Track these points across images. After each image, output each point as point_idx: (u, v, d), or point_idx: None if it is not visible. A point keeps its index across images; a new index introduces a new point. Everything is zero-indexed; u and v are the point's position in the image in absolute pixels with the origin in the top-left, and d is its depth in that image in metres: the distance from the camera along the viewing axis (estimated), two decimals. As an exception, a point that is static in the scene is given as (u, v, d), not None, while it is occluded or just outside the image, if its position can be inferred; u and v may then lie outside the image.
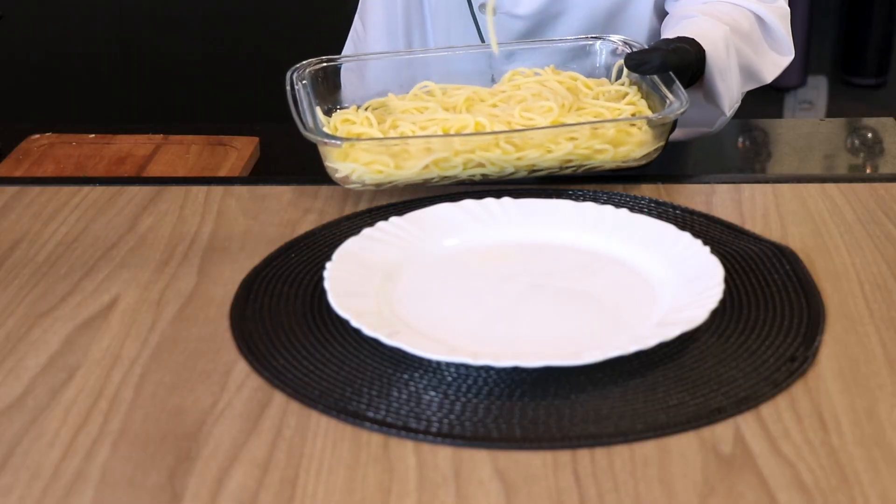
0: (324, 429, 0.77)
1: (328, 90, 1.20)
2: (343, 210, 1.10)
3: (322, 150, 1.08)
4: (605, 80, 1.22)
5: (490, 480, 0.72)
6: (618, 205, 1.06)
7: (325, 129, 1.11)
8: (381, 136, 1.09)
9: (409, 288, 0.93)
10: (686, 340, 0.86)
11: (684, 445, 0.75)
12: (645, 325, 0.88)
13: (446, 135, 1.06)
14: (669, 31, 1.28)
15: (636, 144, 1.09)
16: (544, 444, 0.75)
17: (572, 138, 1.07)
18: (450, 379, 0.82)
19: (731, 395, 0.79)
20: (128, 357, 0.86)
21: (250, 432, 0.77)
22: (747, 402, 0.79)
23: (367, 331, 0.84)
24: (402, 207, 1.08)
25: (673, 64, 1.15)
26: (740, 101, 1.28)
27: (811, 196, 1.11)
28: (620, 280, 0.94)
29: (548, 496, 0.71)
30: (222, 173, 1.37)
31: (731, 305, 0.91)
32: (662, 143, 1.11)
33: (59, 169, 1.39)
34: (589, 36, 1.27)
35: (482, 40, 1.43)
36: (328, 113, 1.16)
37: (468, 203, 1.04)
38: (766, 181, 1.15)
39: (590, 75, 1.22)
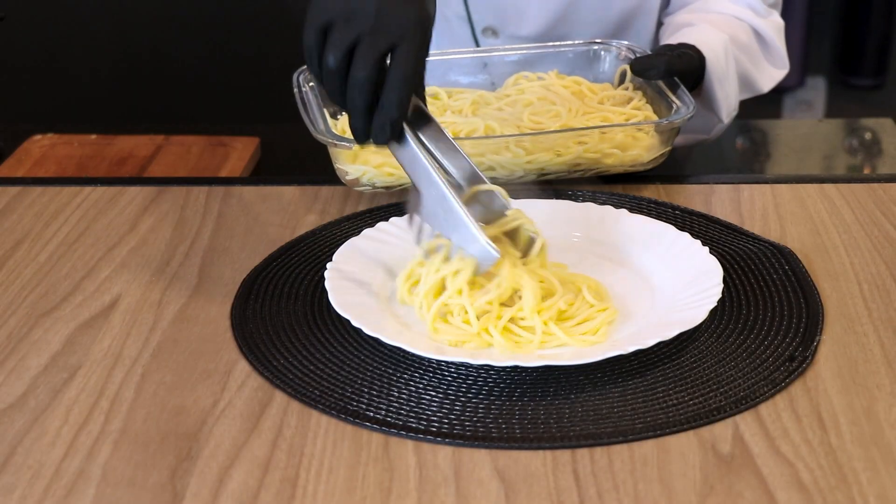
0: (324, 428, 0.78)
1: None
2: (343, 210, 1.10)
3: (332, 152, 1.08)
4: (608, 84, 1.22)
5: (490, 480, 0.72)
6: (618, 205, 1.07)
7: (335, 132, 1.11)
8: None
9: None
10: (685, 340, 0.86)
11: (683, 445, 0.75)
12: (644, 325, 0.88)
13: (457, 138, 1.06)
14: (669, 38, 1.29)
15: (644, 149, 1.09)
16: (544, 444, 0.75)
17: (582, 142, 1.08)
18: (450, 379, 0.82)
19: (730, 394, 0.80)
20: (129, 357, 0.87)
21: (251, 432, 0.77)
22: (746, 401, 0.79)
23: (368, 331, 0.84)
24: (402, 207, 1.08)
25: (678, 69, 1.16)
26: (737, 110, 1.28)
27: (810, 196, 1.11)
28: (620, 280, 0.95)
29: (547, 496, 0.71)
30: (223, 174, 1.37)
31: (730, 305, 0.91)
32: (669, 148, 1.11)
33: (60, 169, 1.39)
34: (593, 41, 1.27)
35: (484, 65, 1.43)
36: (333, 116, 1.16)
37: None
38: (765, 182, 1.15)
39: (593, 81, 1.22)
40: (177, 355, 0.87)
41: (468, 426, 0.77)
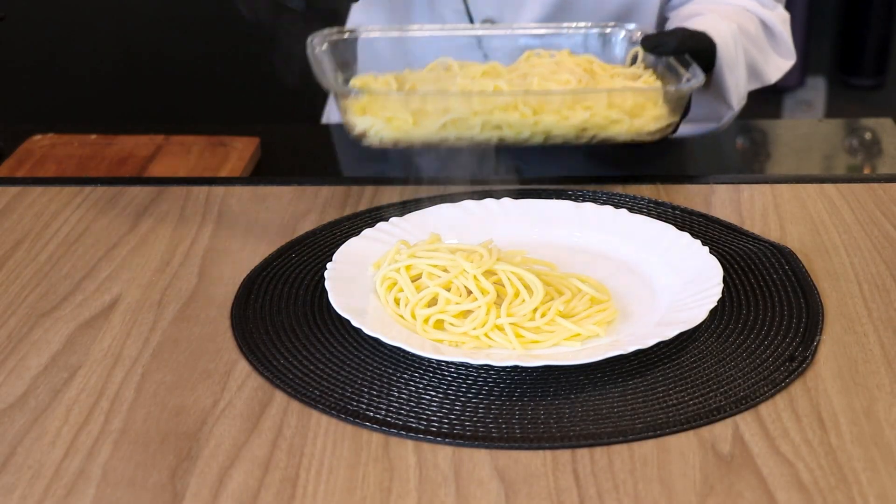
0: (324, 428, 0.78)
1: (345, 61, 1.21)
2: (343, 210, 1.10)
3: (341, 104, 1.08)
4: (619, 65, 1.22)
5: (490, 480, 0.72)
6: (617, 205, 1.07)
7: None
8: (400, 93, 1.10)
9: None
10: (685, 340, 0.86)
11: (683, 445, 0.75)
12: (644, 325, 0.88)
13: (466, 93, 1.07)
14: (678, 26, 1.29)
15: (651, 118, 1.09)
16: (544, 444, 0.75)
17: (588, 107, 1.08)
18: (450, 379, 0.82)
19: (730, 394, 0.80)
20: (129, 357, 0.87)
21: (251, 432, 0.77)
22: (746, 401, 0.79)
23: (368, 331, 0.84)
24: (402, 207, 1.08)
25: (689, 47, 1.15)
26: (746, 100, 1.29)
27: (810, 196, 1.11)
28: (619, 280, 0.95)
29: (547, 495, 0.71)
30: (223, 174, 1.37)
31: (730, 305, 0.91)
32: (676, 120, 1.11)
33: (60, 169, 1.39)
34: (606, 24, 1.27)
35: (485, 58, 1.44)
36: (346, 82, 1.18)
37: (468, 203, 1.05)
38: (765, 181, 1.15)
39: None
40: (177, 355, 0.87)
41: (468, 426, 0.77)
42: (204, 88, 2.64)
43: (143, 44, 2.62)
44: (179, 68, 2.63)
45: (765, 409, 0.79)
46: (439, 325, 0.87)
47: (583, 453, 0.75)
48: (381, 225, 1.00)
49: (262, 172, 1.41)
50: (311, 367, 0.84)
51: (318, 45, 1.19)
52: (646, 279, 0.95)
